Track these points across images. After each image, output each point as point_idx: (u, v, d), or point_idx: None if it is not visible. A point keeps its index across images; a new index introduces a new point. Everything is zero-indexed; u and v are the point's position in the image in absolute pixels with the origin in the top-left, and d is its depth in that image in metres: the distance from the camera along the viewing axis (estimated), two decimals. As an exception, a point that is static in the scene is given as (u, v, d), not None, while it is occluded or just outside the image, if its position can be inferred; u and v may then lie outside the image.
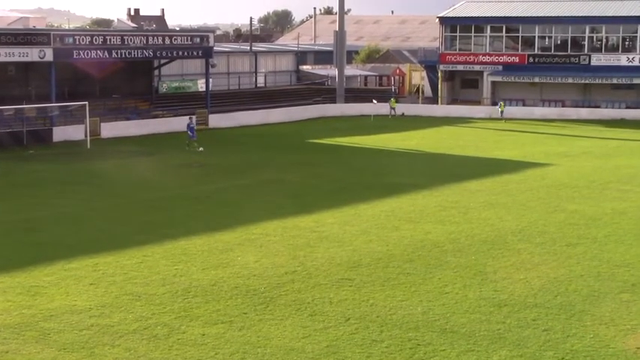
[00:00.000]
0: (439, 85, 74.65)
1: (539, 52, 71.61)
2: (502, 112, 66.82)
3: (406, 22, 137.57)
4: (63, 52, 52.14)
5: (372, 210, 29.29)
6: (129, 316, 17.61)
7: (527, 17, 72.74)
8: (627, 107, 69.16)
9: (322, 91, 78.76)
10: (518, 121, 65.48)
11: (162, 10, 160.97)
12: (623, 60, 69.07)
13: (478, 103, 72.12)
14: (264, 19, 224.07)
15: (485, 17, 74.07)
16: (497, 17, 73.70)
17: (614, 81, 69.08)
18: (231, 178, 37.49)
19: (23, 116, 49.72)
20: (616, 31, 70.21)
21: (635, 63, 68.57)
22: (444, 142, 51.66)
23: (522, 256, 22.76)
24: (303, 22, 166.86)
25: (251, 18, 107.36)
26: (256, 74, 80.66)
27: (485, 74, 72.65)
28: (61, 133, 50.96)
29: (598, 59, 69.70)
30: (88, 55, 53.58)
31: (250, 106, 68.06)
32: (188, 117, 49.90)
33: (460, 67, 74.07)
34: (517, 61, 71.94)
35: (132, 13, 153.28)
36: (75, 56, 53.03)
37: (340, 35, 73.26)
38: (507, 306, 18.35)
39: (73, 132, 51.09)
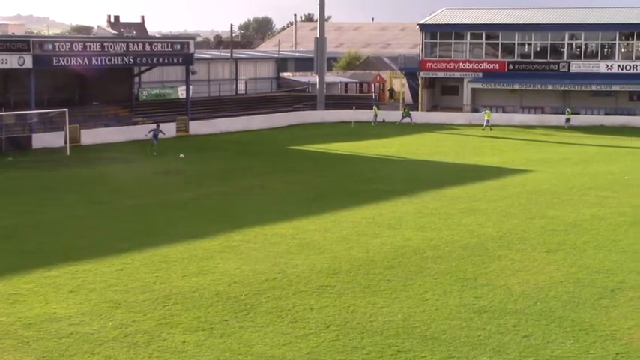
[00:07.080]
0: (419, 92, 74.82)
1: (519, 59, 71.94)
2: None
3: (386, 29, 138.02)
4: (42, 59, 51.88)
5: (353, 217, 29.31)
6: (109, 324, 17.53)
7: (506, 24, 73.08)
8: (606, 114, 69.66)
9: (303, 98, 78.74)
10: (498, 127, 65.67)
11: (143, 17, 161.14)
12: (602, 67, 69.54)
13: (458, 109, 72.33)
14: (245, 26, 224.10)
15: (465, 24, 74.38)
16: (477, 24, 74.06)
17: (593, 88, 69.49)
18: (212, 185, 37.42)
19: (2, 123, 49.39)
20: (595, 38, 70.69)
21: (614, 70, 69.07)
22: (425, 149, 51.77)
23: (502, 263, 22.84)
24: (283, 29, 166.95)
25: (231, 25, 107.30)
26: (237, 81, 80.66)
27: (465, 81, 72.89)
28: (40, 140, 50.68)
29: (577, 66, 70.16)
30: (67, 61, 53.33)
31: (231, 112, 67.96)
32: (155, 124, 52.43)
33: (440, 74, 74.34)
34: (497, 67, 72.27)
35: (112, 19, 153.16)
36: (54, 63, 52.77)
37: (321, 42, 73.33)
38: (488, 312, 18.41)
39: (53, 139, 50.80)
